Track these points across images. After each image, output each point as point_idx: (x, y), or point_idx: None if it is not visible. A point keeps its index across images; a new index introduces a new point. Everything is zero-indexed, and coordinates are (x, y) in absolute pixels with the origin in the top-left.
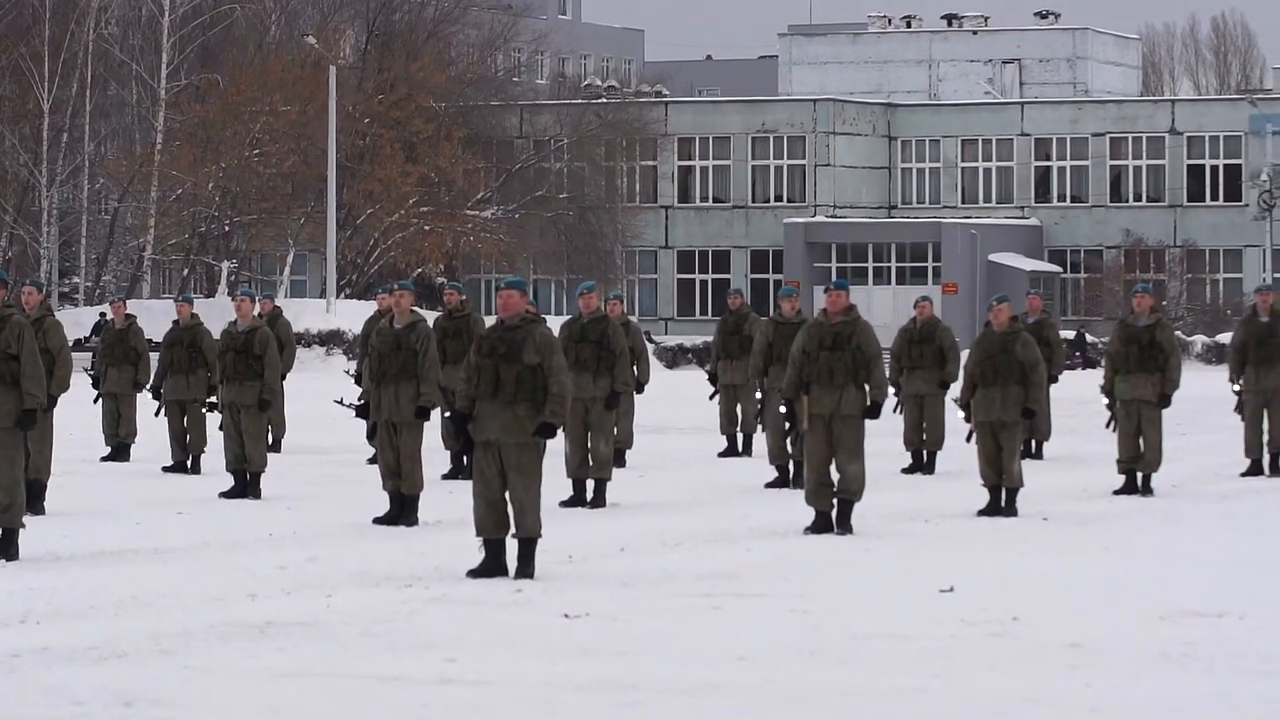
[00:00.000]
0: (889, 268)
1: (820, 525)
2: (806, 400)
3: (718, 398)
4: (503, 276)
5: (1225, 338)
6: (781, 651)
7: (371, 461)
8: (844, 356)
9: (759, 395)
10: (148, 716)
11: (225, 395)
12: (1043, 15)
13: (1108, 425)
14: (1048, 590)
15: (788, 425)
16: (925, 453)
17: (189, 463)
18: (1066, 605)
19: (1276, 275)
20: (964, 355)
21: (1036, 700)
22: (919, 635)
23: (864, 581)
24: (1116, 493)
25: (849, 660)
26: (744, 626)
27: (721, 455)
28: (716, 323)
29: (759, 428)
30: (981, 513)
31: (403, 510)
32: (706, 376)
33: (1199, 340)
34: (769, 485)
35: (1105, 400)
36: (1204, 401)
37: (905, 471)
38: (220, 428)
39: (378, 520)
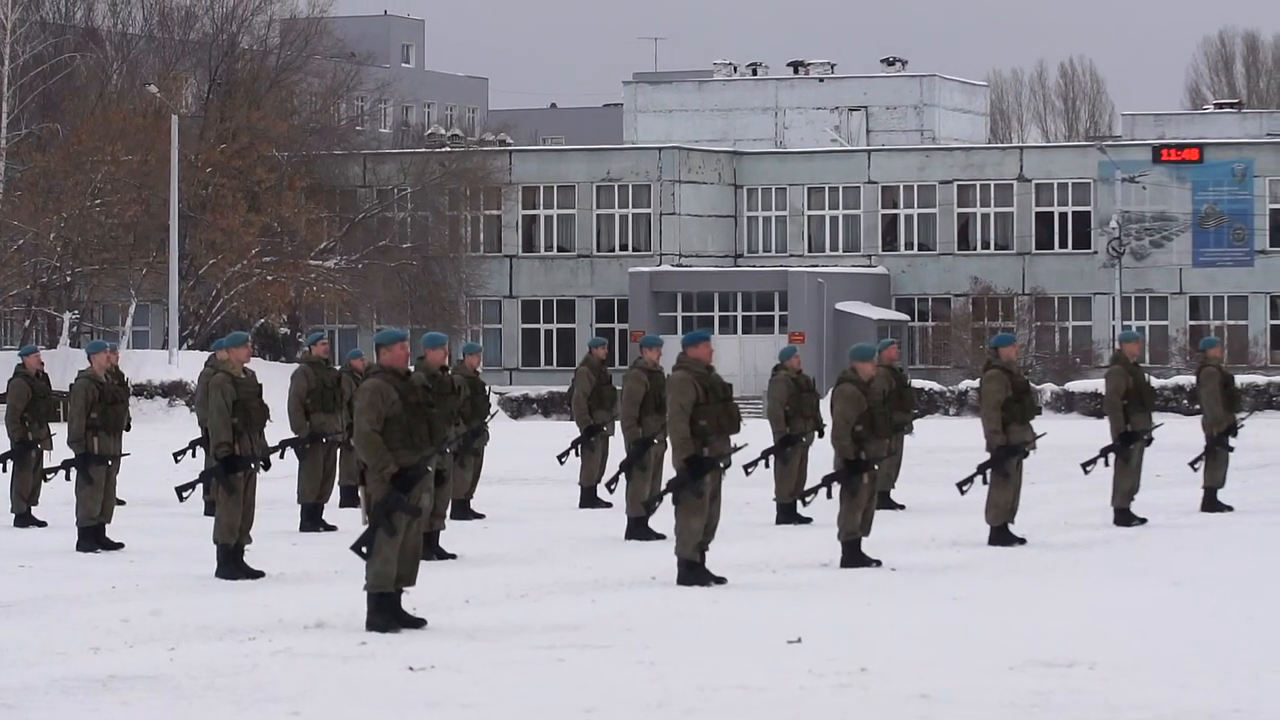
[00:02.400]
0: (735, 316)
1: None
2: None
3: (581, 449)
4: (344, 326)
5: (1076, 385)
6: (628, 703)
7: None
8: (731, 407)
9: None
10: None
11: (106, 447)
12: (889, 62)
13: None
14: (896, 640)
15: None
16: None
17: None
18: (915, 655)
19: (1126, 323)
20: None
21: None
22: (766, 686)
23: (711, 632)
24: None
25: (696, 711)
26: (590, 678)
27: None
28: (579, 372)
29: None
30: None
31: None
32: (583, 429)
33: (1048, 389)
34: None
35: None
36: (1053, 450)
37: (798, 521)
38: (69, 479)
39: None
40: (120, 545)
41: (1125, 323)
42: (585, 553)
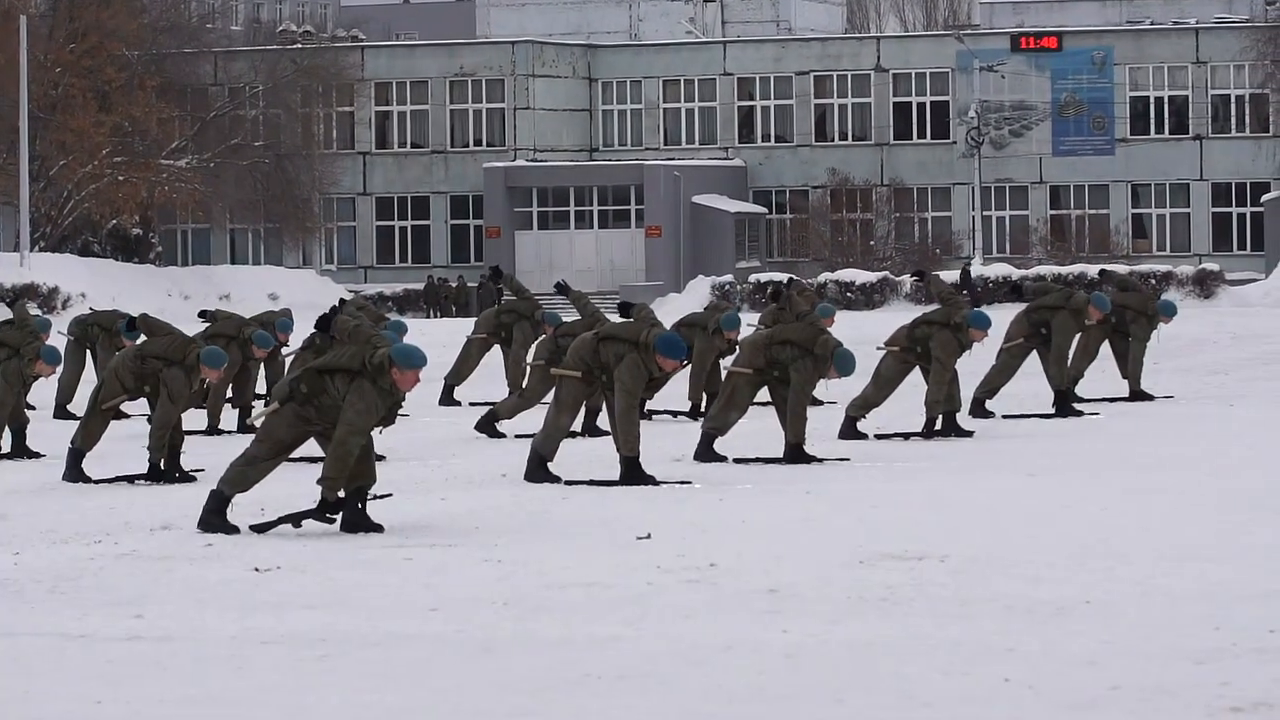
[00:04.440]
0: (591, 211)
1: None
2: None
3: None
4: (198, 226)
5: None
6: (473, 602)
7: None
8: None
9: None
10: None
11: None
12: None
13: None
14: (747, 536)
15: None
16: None
17: None
18: (765, 551)
19: (986, 213)
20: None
21: (732, 647)
22: (614, 584)
23: (560, 531)
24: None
25: (542, 610)
26: (436, 577)
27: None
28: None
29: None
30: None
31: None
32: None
33: (908, 280)
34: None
35: None
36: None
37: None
38: None
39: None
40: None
41: (986, 212)
42: (435, 451)
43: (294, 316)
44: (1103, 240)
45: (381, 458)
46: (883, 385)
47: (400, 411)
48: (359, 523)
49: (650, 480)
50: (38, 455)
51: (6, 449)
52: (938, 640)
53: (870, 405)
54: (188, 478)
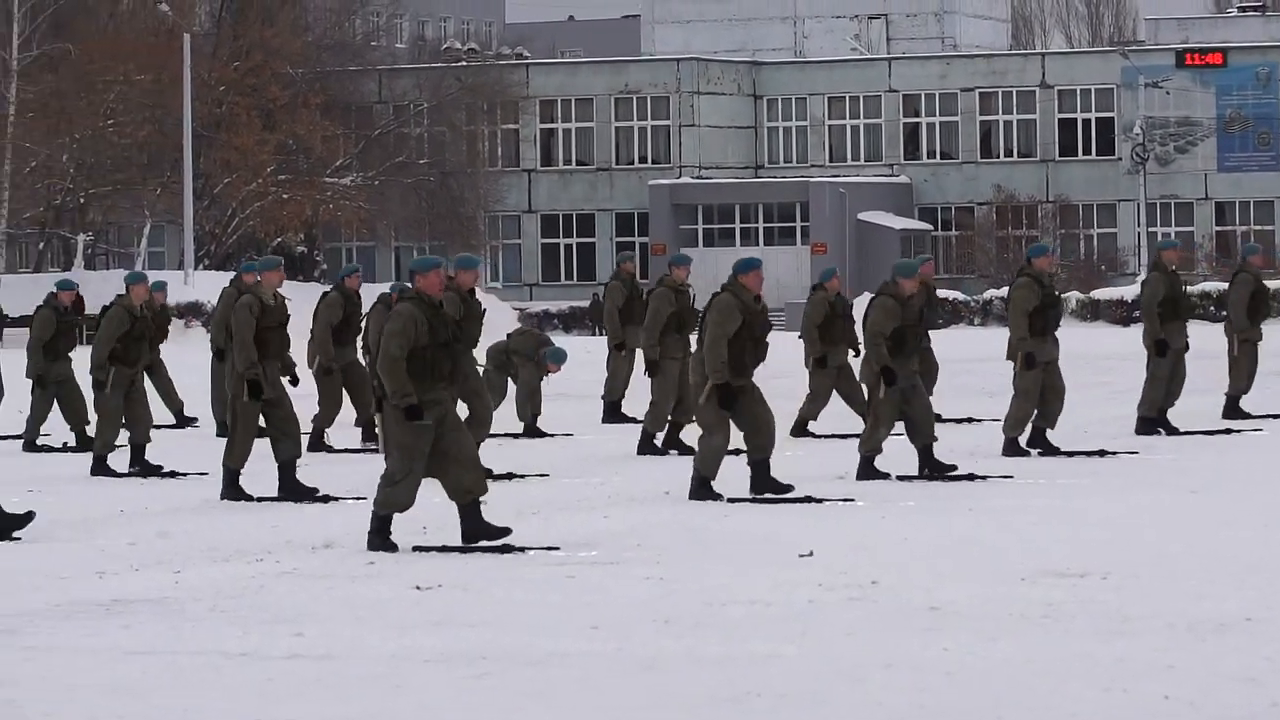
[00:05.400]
0: (756, 228)
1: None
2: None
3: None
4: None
5: (1102, 293)
6: (634, 620)
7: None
8: (763, 348)
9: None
10: None
11: (120, 378)
12: None
13: None
14: (908, 553)
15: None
16: None
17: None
18: (927, 568)
19: (1151, 229)
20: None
21: (893, 665)
22: (775, 601)
23: (721, 547)
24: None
25: (703, 627)
26: (598, 595)
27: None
28: (607, 288)
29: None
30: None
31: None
32: (615, 343)
33: (1074, 296)
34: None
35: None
36: (1077, 358)
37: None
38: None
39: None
40: (160, 467)
41: (1164, 230)
42: (599, 468)
43: None
44: (1268, 256)
45: (545, 475)
46: (1025, 398)
47: (565, 431)
48: (480, 531)
49: (785, 488)
50: (158, 469)
51: (127, 467)
52: (1098, 657)
53: (1022, 420)
54: (319, 497)
